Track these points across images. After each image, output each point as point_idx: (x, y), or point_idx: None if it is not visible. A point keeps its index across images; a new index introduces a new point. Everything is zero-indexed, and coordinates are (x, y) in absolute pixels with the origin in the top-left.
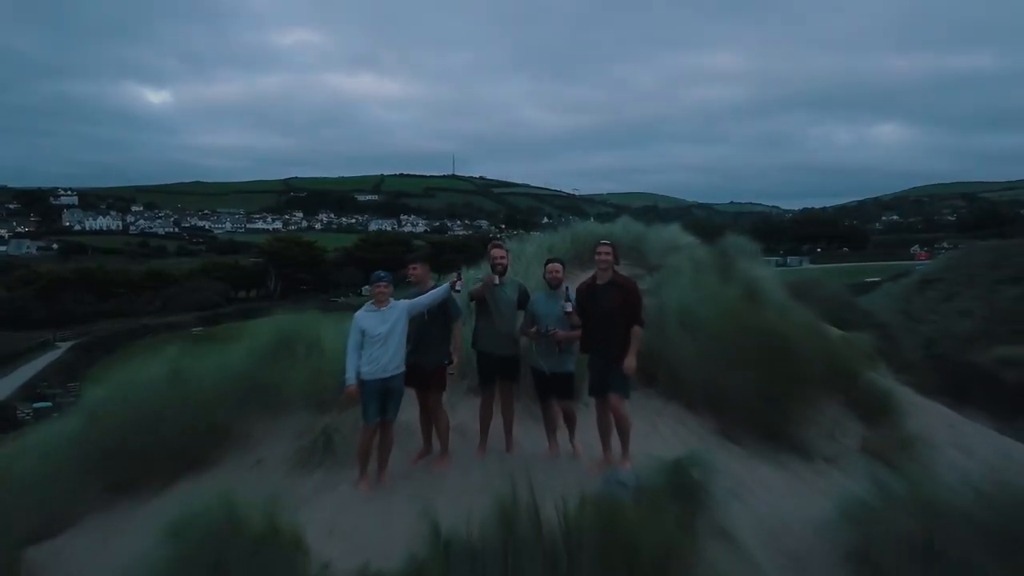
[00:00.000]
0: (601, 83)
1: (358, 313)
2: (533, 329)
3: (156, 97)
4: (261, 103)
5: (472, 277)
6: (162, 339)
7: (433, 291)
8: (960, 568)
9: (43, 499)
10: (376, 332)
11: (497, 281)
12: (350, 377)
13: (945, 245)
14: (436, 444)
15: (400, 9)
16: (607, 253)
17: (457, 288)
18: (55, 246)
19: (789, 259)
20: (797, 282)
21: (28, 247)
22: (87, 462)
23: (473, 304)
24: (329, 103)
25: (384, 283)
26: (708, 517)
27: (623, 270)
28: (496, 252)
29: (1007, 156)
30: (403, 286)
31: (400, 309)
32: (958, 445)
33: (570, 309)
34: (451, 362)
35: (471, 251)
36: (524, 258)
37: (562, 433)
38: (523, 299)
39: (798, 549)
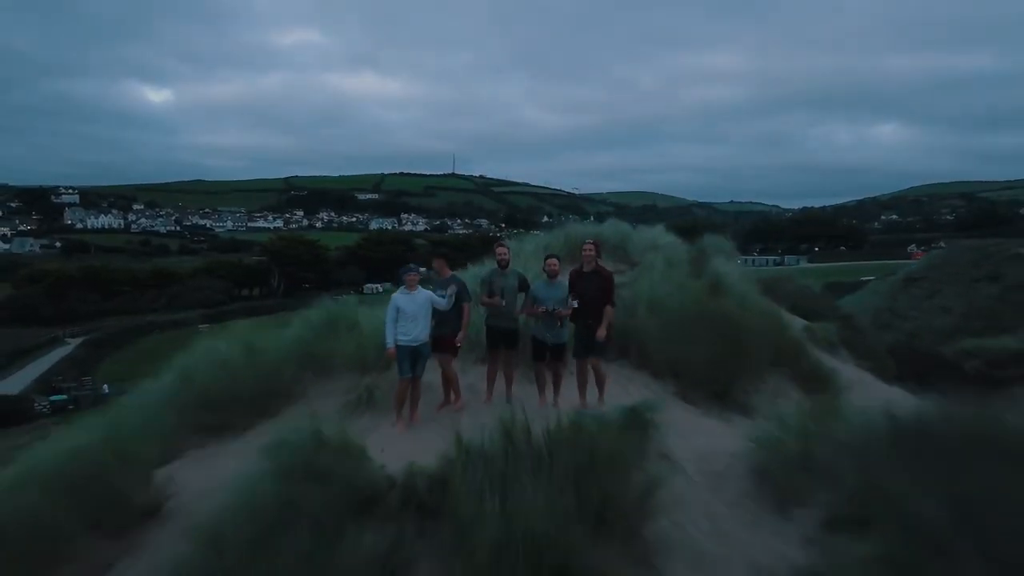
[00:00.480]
0: (601, 83)
1: (395, 295)
2: (541, 309)
3: (157, 96)
4: (261, 103)
5: (475, 274)
6: (169, 335)
7: (441, 300)
8: (827, 474)
9: (157, 437)
10: (408, 310)
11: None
12: (389, 342)
13: (942, 244)
14: (452, 398)
15: (400, 9)
16: (590, 249)
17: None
18: (58, 244)
19: (787, 258)
20: (772, 278)
21: (31, 245)
22: (182, 412)
23: (483, 288)
24: (329, 103)
25: (413, 272)
26: (654, 444)
27: (608, 264)
28: (500, 249)
29: (1006, 156)
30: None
31: (425, 296)
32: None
33: (576, 304)
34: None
35: (471, 249)
36: (523, 255)
37: (549, 390)
38: (523, 285)
39: (719, 469)
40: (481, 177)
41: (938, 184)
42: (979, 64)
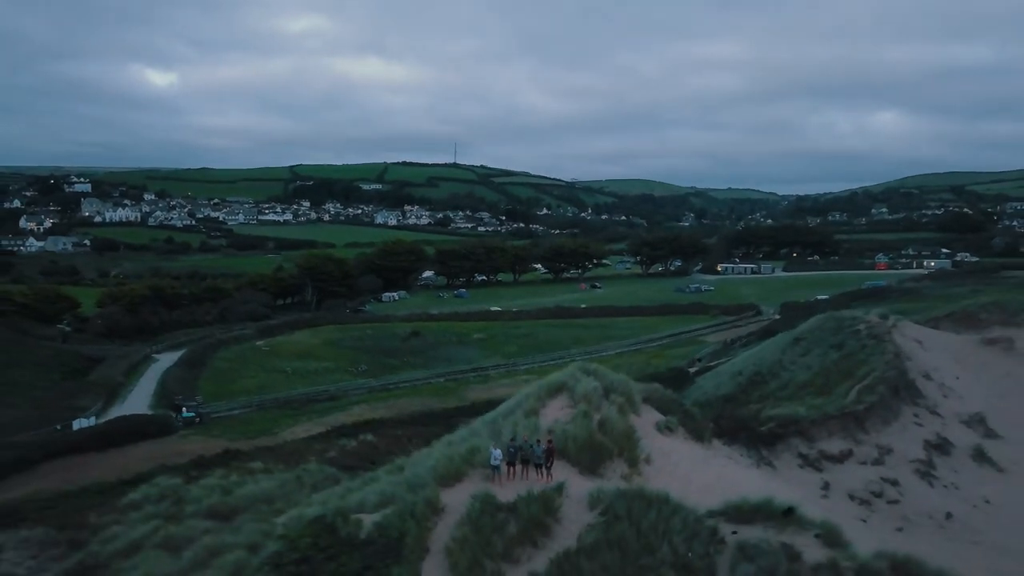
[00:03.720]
0: (604, 70)
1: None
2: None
3: (163, 79)
4: (267, 87)
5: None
6: (235, 351)
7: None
8: None
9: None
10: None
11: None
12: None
13: (911, 251)
14: None
15: None
16: (551, 443)
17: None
18: (87, 242)
19: (763, 266)
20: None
21: (64, 244)
22: None
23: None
24: (333, 87)
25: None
26: None
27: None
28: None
29: (1000, 143)
30: (418, 291)
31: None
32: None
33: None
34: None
35: (476, 258)
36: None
37: None
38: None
39: None
40: (482, 167)
41: (931, 175)
42: (976, 55)
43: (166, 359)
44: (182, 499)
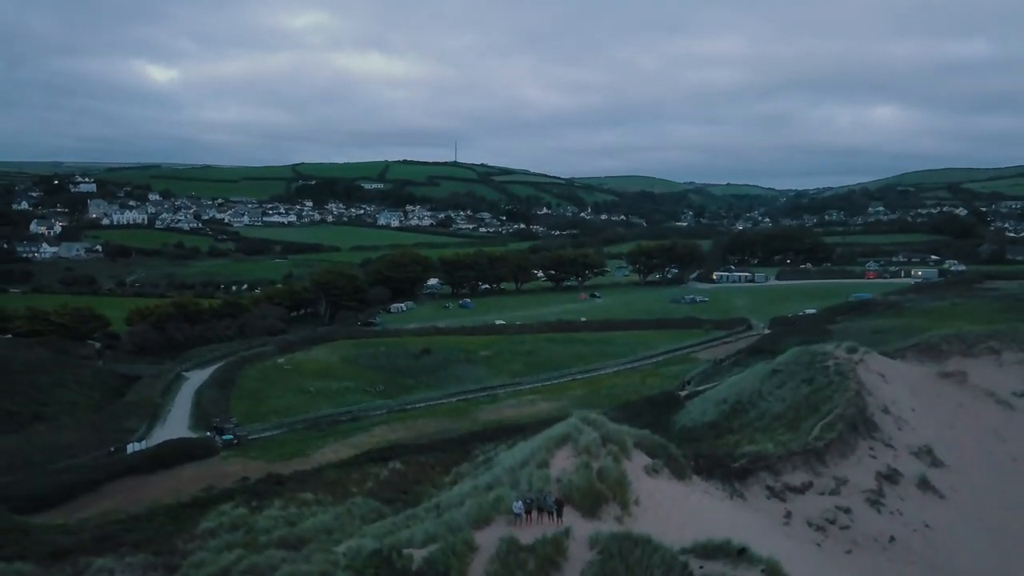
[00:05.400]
0: (604, 65)
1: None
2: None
3: (164, 75)
4: (268, 82)
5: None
6: (259, 369)
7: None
8: None
9: None
10: None
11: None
12: None
13: (901, 257)
14: None
15: None
16: (559, 498)
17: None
18: (99, 248)
19: (757, 275)
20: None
21: (77, 250)
22: None
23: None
24: (335, 82)
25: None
26: None
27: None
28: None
29: (997, 137)
30: (425, 300)
31: None
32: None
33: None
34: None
35: (479, 268)
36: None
37: None
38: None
39: None
40: (482, 165)
41: (928, 171)
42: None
43: (195, 377)
44: (253, 529)
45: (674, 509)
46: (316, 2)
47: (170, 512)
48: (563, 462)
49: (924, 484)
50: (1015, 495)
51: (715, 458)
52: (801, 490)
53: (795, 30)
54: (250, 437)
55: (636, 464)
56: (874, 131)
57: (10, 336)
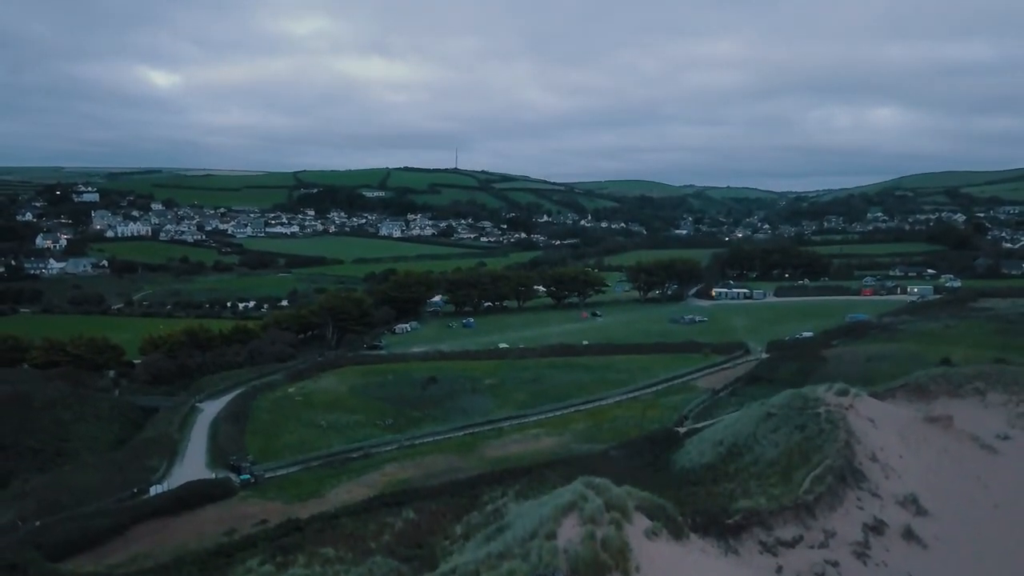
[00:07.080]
0: (605, 68)
1: None
2: None
3: (167, 79)
4: (270, 87)
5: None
6: (271, 400)
7: None
8: None
9: None
10: None
11: None
12: None
13: (897, 272)
14: None
15: None
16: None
17: None
18: (105, 263)
19: (755, 292)
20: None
21: (84, 266)
22: None
23: None
24: (337, 87)
25: None
26: None
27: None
28: None
29: (995, 139)
30: (428, 319)
31: None
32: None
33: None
34: None
35: (482, 286)
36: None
37: None
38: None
39: None
40: (483, 172)
41: (927, 174)
42: (975, 52)
43: (210, 408)
44: None
45: (672, 571)
46: (318, 7)
47: (196, 561)
48: (569, 531)
49: (908, 534)
50: (996, 544)
51: (711, 515)
52: (792, 544)
53: (794, 32)
54: (266, 475)
55: (637, 528)
56: (873, 132)
57: (26, 366)
